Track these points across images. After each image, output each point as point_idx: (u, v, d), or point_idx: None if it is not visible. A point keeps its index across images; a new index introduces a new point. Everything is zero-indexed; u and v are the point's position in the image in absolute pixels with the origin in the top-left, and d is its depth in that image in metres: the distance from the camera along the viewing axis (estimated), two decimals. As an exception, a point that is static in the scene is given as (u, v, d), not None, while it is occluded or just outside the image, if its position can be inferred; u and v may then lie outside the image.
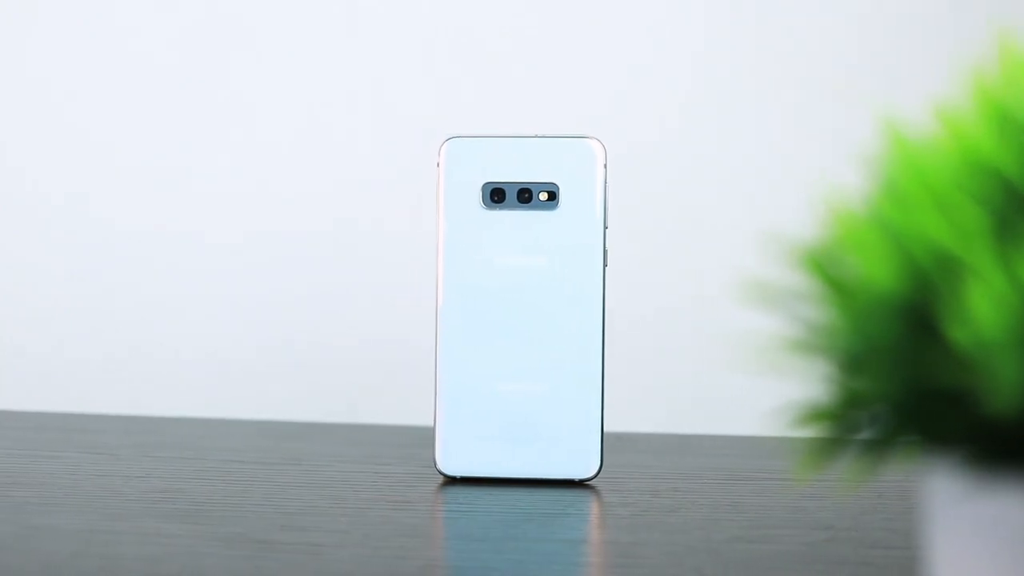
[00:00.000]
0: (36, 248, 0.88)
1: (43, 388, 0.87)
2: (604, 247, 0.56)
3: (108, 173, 0.86)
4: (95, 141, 0.86)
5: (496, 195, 0.56)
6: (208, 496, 0.53)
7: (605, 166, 0.57)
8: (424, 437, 0.65)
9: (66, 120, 0.87)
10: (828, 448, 0.26)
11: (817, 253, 0.24)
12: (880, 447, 0.26)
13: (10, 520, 0.47)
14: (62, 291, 0.88)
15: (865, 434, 0.26)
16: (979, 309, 0.23)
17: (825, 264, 0.24)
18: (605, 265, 0.56)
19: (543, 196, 0.56)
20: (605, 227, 0.56)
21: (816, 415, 0.25)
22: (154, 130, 0.87)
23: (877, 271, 0.24)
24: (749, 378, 0.76)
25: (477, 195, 0.56)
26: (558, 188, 0.56)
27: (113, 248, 0.87)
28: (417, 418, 0.71)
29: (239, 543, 0.44)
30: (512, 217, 0.56)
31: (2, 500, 0.51)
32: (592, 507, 0.52)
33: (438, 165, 0.57)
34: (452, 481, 0.56)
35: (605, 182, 0.57)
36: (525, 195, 0.56)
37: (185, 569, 0.40)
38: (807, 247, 0.25)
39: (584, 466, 0.56)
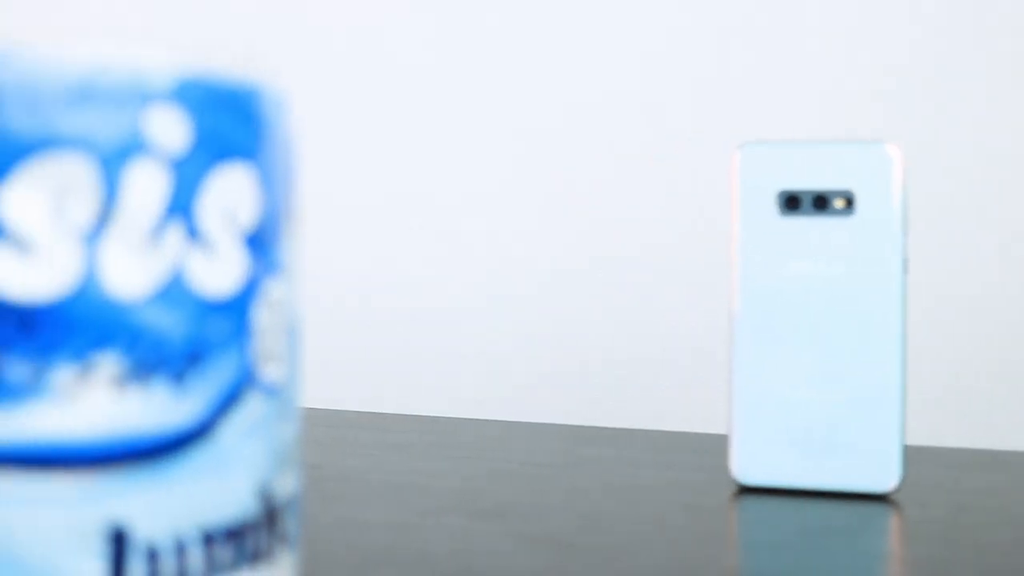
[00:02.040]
0: (398, 253, 0.93)
1: (352, 387, 0.92)
2: (904, 254, 0.55)
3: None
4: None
5: (791, 202, 0.56)
6: (507, 496, 0.54)
7: (903, 171, 0.55)
8: (719, 444, 0.65)
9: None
10: None
11: None
12: None
13: (328, 512, 0.50)
14: (375, 294, 0.92)
15: None
16: None
17: None
18: (905, 272, 0.55)
19: (839, 203, 0.55)
20: (904, 233, 0.55)
21: None
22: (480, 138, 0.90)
23: None
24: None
25: (772, 202, 0.56)
26: (854, 194, 0.55)
27: (443, 249, 0.91)
28: (712, 425, 0.71)
29: (542, 543, 0.45)
30: (808, 224, 0.56)
31: (320, 493, 0.54)
32: (893, 521, 0.51)
33: (733, 172, 0.57)
34: (747, 490, 0.56)
35: (904, 188, 0.55)
36: (821, 202, 0.56)
37: (493, 567, 0.42)
38: None
39: (883, 479, 0.55)
